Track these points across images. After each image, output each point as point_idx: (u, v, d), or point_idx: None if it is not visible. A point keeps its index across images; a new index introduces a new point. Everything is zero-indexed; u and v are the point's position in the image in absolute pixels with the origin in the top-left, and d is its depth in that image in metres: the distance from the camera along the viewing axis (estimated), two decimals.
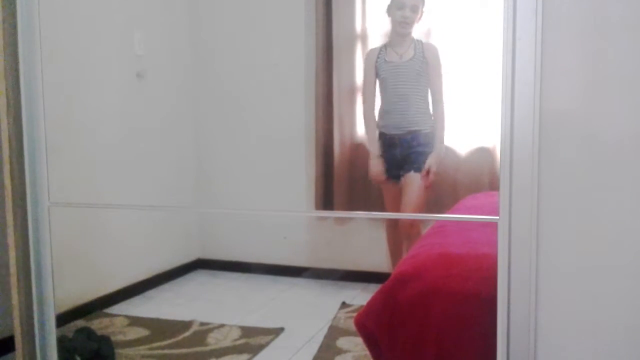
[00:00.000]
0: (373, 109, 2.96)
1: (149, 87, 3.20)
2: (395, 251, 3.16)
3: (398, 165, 2.87)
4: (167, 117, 3.34)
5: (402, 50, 2.77)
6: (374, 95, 2.92)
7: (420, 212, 2.90)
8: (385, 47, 2.84)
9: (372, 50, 2.90)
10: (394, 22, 2.80)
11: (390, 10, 2.81)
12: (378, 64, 2.82)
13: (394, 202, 2.93)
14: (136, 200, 3.06)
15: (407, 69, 2.78)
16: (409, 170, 2.84)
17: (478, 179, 3.00)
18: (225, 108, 3.49)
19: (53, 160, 1.91)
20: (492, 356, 1.51)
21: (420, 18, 2.78)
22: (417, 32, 2.84)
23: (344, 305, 3.00)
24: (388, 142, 2.88)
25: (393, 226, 3.11)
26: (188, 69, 3.53)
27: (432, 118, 2.83)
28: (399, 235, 3.10)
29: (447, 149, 3.01)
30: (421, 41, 2.79)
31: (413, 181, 2.82)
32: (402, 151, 2.84)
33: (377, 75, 2.86)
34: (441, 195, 3.08)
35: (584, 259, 1.45)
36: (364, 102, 3.01)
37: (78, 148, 2.78)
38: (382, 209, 3.08)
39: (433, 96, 2.83)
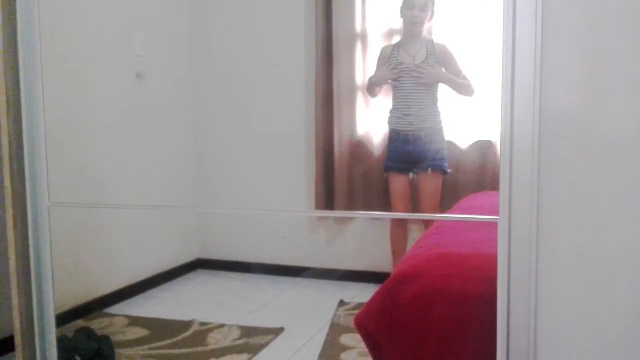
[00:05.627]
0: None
1: (149, 87, 3.20)
2: (397, 250, 3.17)
3: (410, 161, 2.96)
4: (167, 117, 3.33)
5: (414, 51, 2.86)
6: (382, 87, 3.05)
7: (436, 210, 2.98)
8: (398, 46, 2.93)
9: (385, 47, 2.99)
10: (405, 22, 2.91)
11: (402, 11, 2.91)
12: (391, 63, 2.91)
13: (402, 196, 3.04)
14: (136, 200, 3.06)
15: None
16: (425, 169, 2.94)
17: (480, 173, 3.06)
18: (225, 108, 3.49)
19: (53, 160, 1.91)
20: (492, 356, 1.51)
21: (431, 18, 2.88)
22: (425, 32, 2.93)
23: (342, 303, 3.00)
24: (402, 139, 2.96)
25: (397, 223, 3.17)
26: (188, 69, 3.53)
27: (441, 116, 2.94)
28: (403, 232, 3.14)
29: (450, 143, 3.08)
30: (432, 41, 2.89)
31: (429, 180, 2.95)
32: (415, 147, 2.93)
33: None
34: (442, 193, 3.09)
35: (584, 258, 1.45)
36: (373, 94, 3.12)
37: (78, 148, 2.78)
38: (385, 204, 3.15)
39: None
